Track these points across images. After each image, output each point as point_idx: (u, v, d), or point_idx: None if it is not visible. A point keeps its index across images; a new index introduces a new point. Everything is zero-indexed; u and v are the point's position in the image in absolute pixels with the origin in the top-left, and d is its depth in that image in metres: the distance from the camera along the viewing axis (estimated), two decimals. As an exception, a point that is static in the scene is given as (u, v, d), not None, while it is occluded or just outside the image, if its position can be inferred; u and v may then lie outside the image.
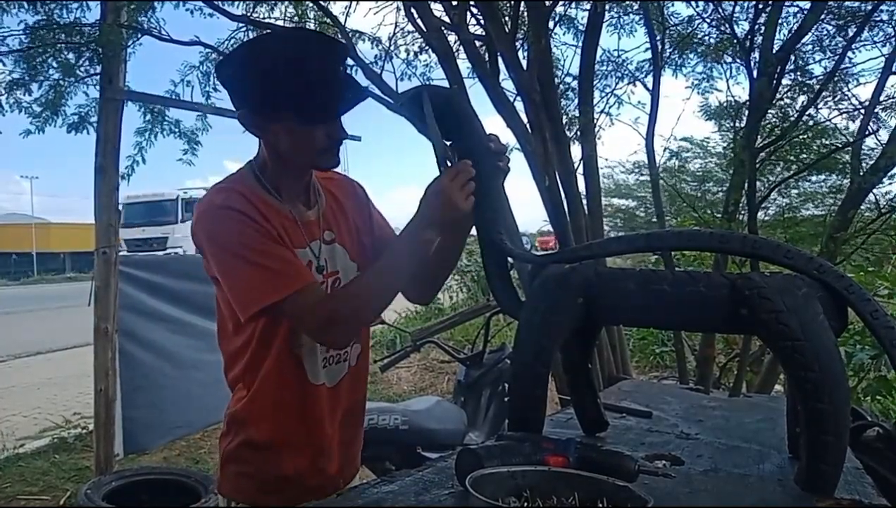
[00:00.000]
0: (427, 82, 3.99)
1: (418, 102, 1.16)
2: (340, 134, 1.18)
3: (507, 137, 3.58)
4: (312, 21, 4.29)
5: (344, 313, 1.12)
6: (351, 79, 1.25)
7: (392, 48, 4.23)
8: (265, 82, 1.11)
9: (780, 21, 3.70)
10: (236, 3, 3.99)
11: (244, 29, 3.91)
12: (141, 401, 3.46)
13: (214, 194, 1.17)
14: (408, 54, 4.34)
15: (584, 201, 3.69)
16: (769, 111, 3.94)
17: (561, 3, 4.10)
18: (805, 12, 3.64)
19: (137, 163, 3.66)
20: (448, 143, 1.15)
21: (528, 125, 3.38)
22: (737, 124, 4.49)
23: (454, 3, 3.66)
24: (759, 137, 3.88)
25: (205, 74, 3.83)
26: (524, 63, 3.57)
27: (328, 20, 4.09)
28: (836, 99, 4.18)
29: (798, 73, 4.10)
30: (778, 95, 3.94)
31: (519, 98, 3.47)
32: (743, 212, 3.97)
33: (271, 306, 1.09)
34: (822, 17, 3.75)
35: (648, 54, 4.24)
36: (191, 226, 1.21)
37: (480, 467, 0.79)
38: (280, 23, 4.14)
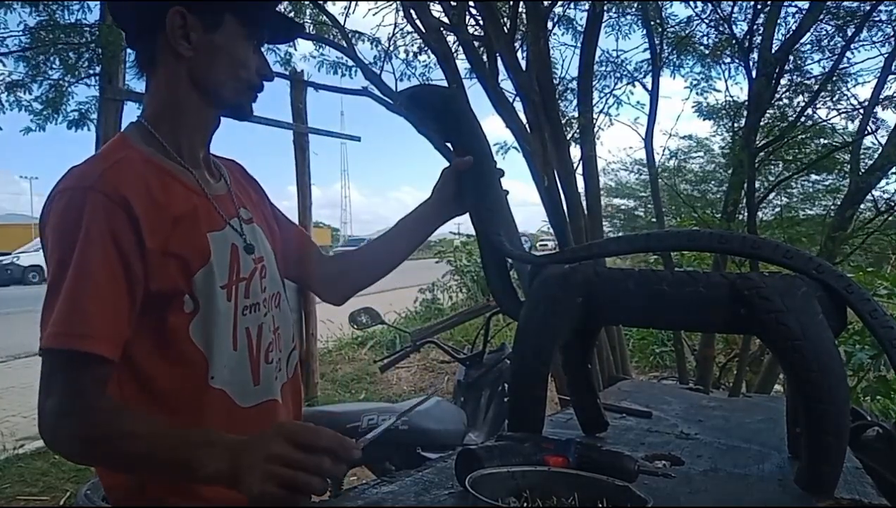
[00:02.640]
0: (426, 82, 3.99)
1: (416, 100, 1.16)
2: (269, 73, 0.98)
3: (506, 137, 3.59)
4: (311, 22, 4.29)
5: (72, 441, 0.81)
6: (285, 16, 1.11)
7: (391, 49, 4.24)
8: None
9: (778, 21, 3.71)
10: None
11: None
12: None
13: (87, 171, 0.85)
14: (407, 55, 4.35)
15: (584, 202, 3.69)
16: (768, 111, 3.95)
17: (560, 3, 4.10)
18: (804, 12, 3.65)
19: None
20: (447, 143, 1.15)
21: (527, 126, 3.38)
22: (736, 124, 4.49)
23: (453, 3, 3.67)
24: (758, 137, 3.88)
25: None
26: (523, 64, 3.57)
27: (327, 20, 4.10)
28: (834, 99, 4.18)
29: (797, 73, 4.10)
30: (777, 95, 3.95)
31: (518, 98, 3.47)
32: (742, 212, 3.97)
33: (66, 350, 0.79)
34: (821, 17, 3.76)
35: (647, 55, 4.25)
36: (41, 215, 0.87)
37: (480, 467, 0.79)
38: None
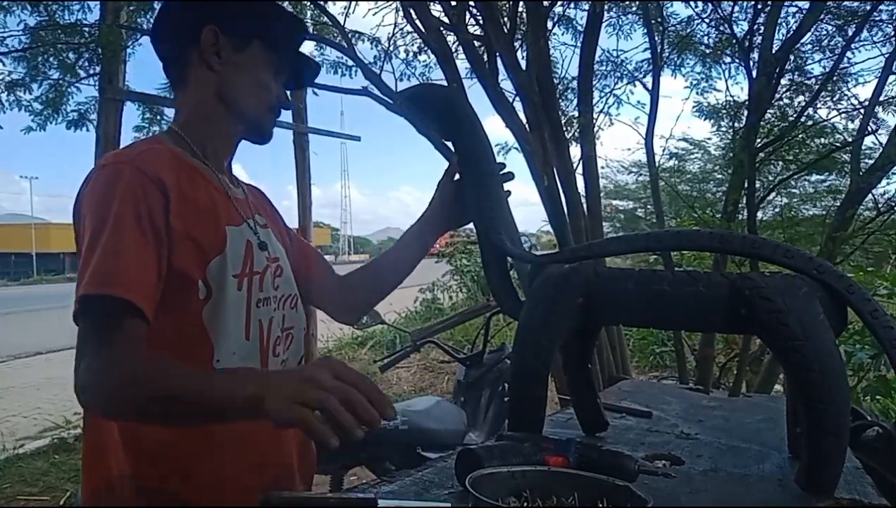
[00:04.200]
0: (427, 82, 3.99)
1: (417, 100, 1.16)
2: (287, 103, 1.07)
3: (506, 137, 3.59)
4: (311, 22, 4.29)
5: (103, 390, 0.81)
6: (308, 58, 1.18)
7: (391, 48, 4.24)
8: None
9: (779, 21, 3.71)
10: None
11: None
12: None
13: (123, 154, 0.92)
14: (407, 55, 4.35)
15: (584, 202, 3.69)
16: (768, 111, 3.95)
17: (559, 3, 4.10)
18: (804, 12, 3.65)
19: None
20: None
21: (527, 125, 3.38)
22: (736, 124, 4.49)
23: (453, 3, 3.67)
24: (758, 137, 3.88)
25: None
26: (523, 63, 3.57)
27: (327, 20, 4.10)
28: (835, 99, 4.19)
29: (797, 72, 4.10)
30: (777, 95, 3.95)
31: (518, 98, 3.47)
32: (742, 212, 3.97)
33: (105, 300, 0.81)
34: (822, 16, 3.76)
35: (647, 54, 4.25)
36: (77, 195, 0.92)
37: (480, 467, 0.79)
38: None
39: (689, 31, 4.35)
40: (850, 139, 4.11)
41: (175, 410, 0.80)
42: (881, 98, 3.91)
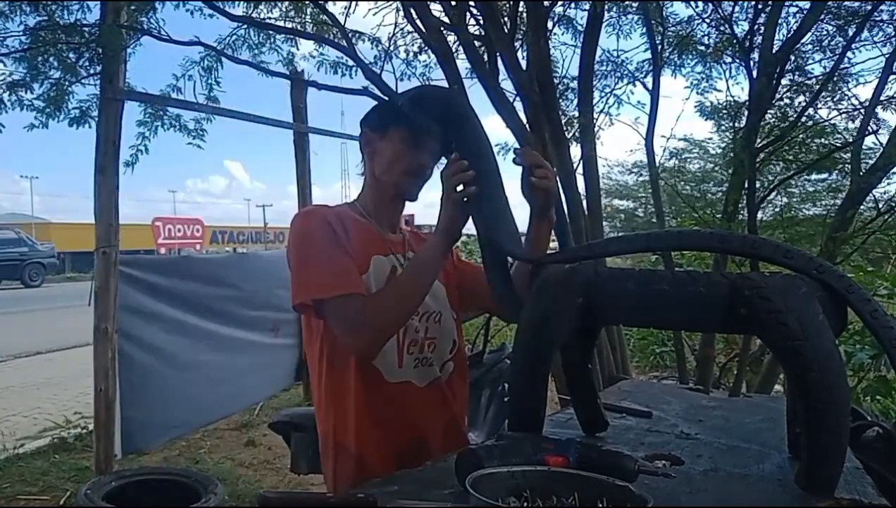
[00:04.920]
0: (426, 83, 3.99)
1: (418, 101, 1.16)
2: (428, 170, 1.34)
3: (506, 137, 3.58)
4: (311, 21, 4.29)
5: (366, 320, 1.19)
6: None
7: (392, 48, 4.23)
8: (389, 103, 1.42)
9: (779, 21, 3.71)
10: (236, 3, 3.99)
11: (244, 28, 3.91)
12: (140, 401, 3.45)
13: (312, 207, 1.46)
14: (407, 55, 4.34)
15: (584, 202, 3.69)
16: (769, 111, 3.94)
17: (560, 3, 4.10)
18: (804, 12, 3.65)
19: (141, 152, 3.66)
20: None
21: (527, 125, 3.38)
22: (736, 124, 4.49)
23: (453, 3, 3.66)
24: (758, 137, 3.88)
25: (206, 69, 3.82)
26: (523, 63, 3.57)
27: (327, 20, 4.10)
28: (835, 99, 4.18)
29: (797, 73, 4.09)
30: (777, 95, 3.94)
31: (518, 98, 3.47)
32: (743, 212, 3.97)
33: (315, 303, 1.21)
34: (822, 17, 3.75)
35: (648, 54, 4.24)
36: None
37: (480, 467, 0.79)
38: (280, 23, 4.14)
39: (689, 31, 4.35)
40: (850, 139, 4.10)
41: (411, 291, 1.23)
42: (881, 98, 3.91)
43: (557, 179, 1.27)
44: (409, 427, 1.29)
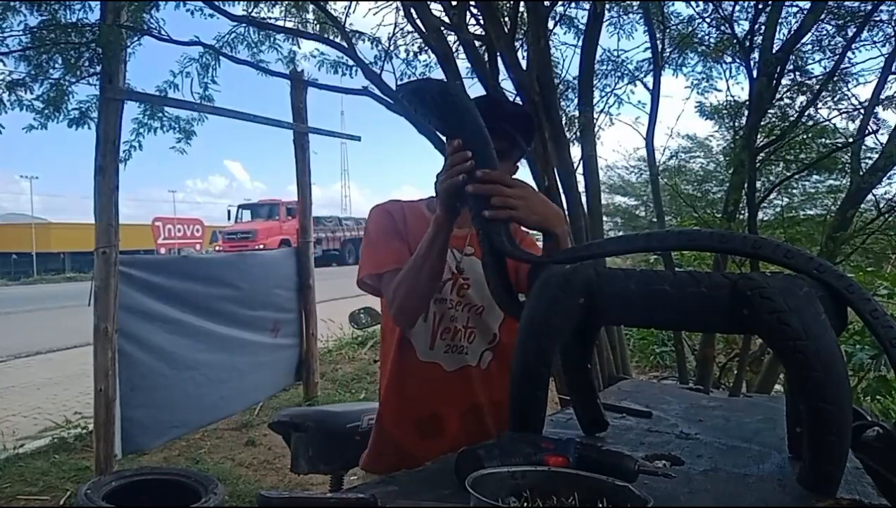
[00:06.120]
0: (427, 77, 3.98)
1: (417, 94, 1.16)
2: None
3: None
4: (312, 21, 4.29)
5: (392, 297, 1.36)
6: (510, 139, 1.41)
7: (391, 48, 4.22)
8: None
9: (779, 21, 3.70)
10: (236, 2, 3.99)
11: (244, 27, 3.91)
12: (140, 401, 3.45)
13: (386, 201, 1.53)
14: (407, 54, 4.33)
15: (584, 202, 3.68)
16: (769, 111, 3.94)
17: (560, 2, 4.10)
18: (805, 12, 3.64)
19: (134, 148, 3.65)
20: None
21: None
22: (736, 124, 4.48)
23: (454, 3, 3.66)
24: (758, 137, 3.88)
25: (203, 66, 3.82)
26: (524, 63, 3.57)
27: (328, 20, 4.09)
28: (835, 99, 4.18)
29: (798, 73, 4.09)
30: (778, 95, 3.94)
31: (518, 98, 3.47)
32: (743, 212, 3.96)
33: (371, 278, 1.40)
34: (822, 17, 3.75)
35: (648, 54, 4.24)
36: None
37: (480, 467, 0.79)
38: (280, 23, 4.14)
39: (689, 30, 4.34)
40: (850, 139, 4.10)
41: (420, 269, 1.29)
42: (881, 98, 3.91)
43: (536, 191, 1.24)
44: (430, 405, 1.42)
